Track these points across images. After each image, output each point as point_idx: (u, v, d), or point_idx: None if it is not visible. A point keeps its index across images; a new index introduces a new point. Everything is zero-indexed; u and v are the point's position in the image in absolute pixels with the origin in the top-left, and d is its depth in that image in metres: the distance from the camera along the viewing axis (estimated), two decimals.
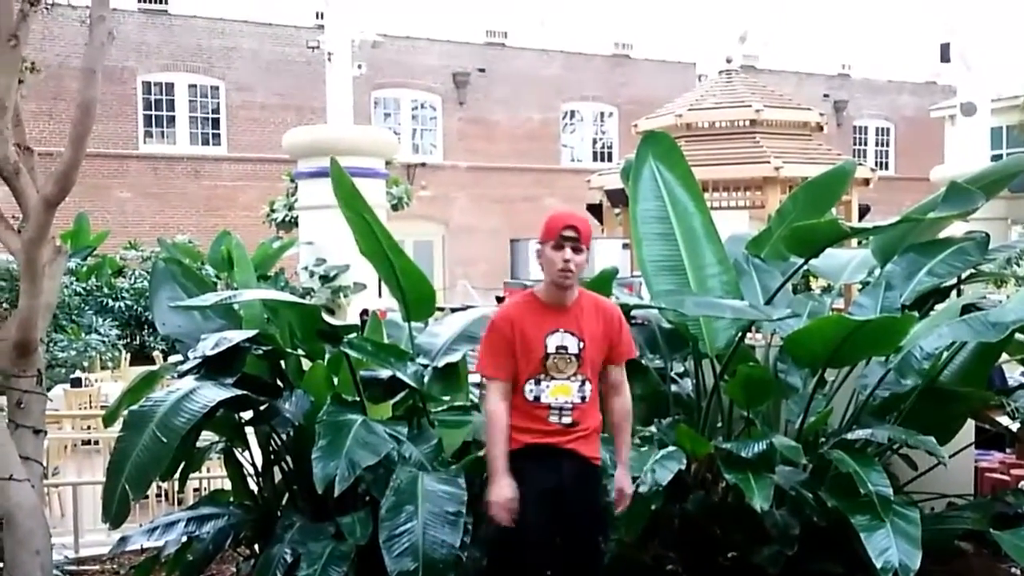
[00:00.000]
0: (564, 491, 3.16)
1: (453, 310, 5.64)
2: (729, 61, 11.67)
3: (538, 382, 3.16)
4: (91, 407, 9.07)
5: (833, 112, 25.72)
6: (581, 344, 3.18)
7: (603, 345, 3.24)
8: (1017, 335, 4.00)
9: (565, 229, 3.14)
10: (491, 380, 3.22)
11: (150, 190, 20.39)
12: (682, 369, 4.69)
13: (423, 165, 22.10)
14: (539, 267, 3.23)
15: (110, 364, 11.91)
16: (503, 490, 3.11)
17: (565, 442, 3.17)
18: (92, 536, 5.50)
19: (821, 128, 10.42)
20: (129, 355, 12.64)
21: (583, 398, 3.19)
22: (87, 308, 13.12)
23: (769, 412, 4.30)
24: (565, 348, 3.17)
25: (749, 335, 4.43)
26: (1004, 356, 4.39)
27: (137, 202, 20.25)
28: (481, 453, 3.75)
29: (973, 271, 4.72)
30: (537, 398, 3.17)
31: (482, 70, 23.29)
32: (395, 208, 16.02)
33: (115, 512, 3.51)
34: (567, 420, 3.16)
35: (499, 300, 9.70)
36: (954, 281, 4.64)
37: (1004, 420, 4.67)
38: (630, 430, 3.40)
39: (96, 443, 8.13)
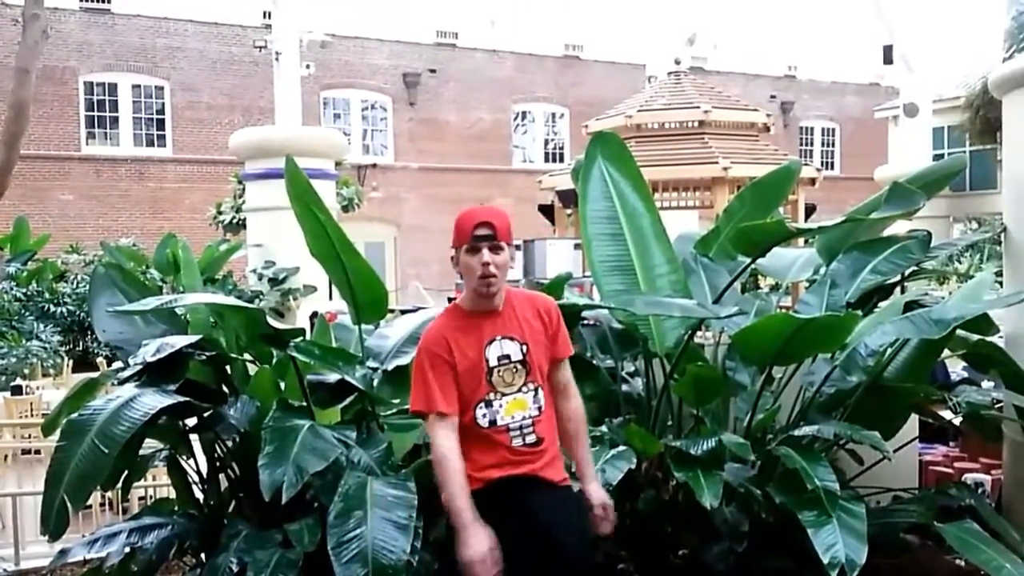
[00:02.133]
0: (549, 526, 2.76)
1: (403, 312, 5.59)
2: (678, 63, 11.79)
3: (489, 403, 2.77)
4: (32, 415, 8.86)
5: (780, 113, 26.12)
6: (524, 347, 2.82)
7: (546, 343, 2.88)
8: (958, 331, 4.08)
9: (477, 228, 2.72)
10: (433, 417, 2.75)
11: (93, 192, 19.95)
12: (632, 368, 4.70)
13: (374, 166, 21.95)
14: (457, 275, 2.84)
15: (52, 371, 11.64)
16: (478, 543, 2.62)
17: (538, 470, 2.78)
18: (34, 548, 5.35)
19: (768, 129, 10.57)
20: (71, 362, 12.36)
21: (540, 408, 2.82)
22: (28, 314, 12.79)
23: (718, 410, 4.33)
24: (508, 357, 2.80)
25: (698, 334, 4.46)
26: (946, 352, 4.48)
27: (79, 205, 19.80)
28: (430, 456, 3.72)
29: (916, 269, 4.80)
30: (493, 422, 2.77)
31: (433, 71, 23.21)
32: (346, 209, 15.88)
33: (54, 524, 3.41)
34: (532, 439, 2.79)
35: (451, 301, 9.69)
36: (897, 279, 4.72)
37: (947, 414, 4.76)
38: (587, 436, 3.08)
39: (37, 452, 7.93)
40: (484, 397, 2.78)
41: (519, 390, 2.81)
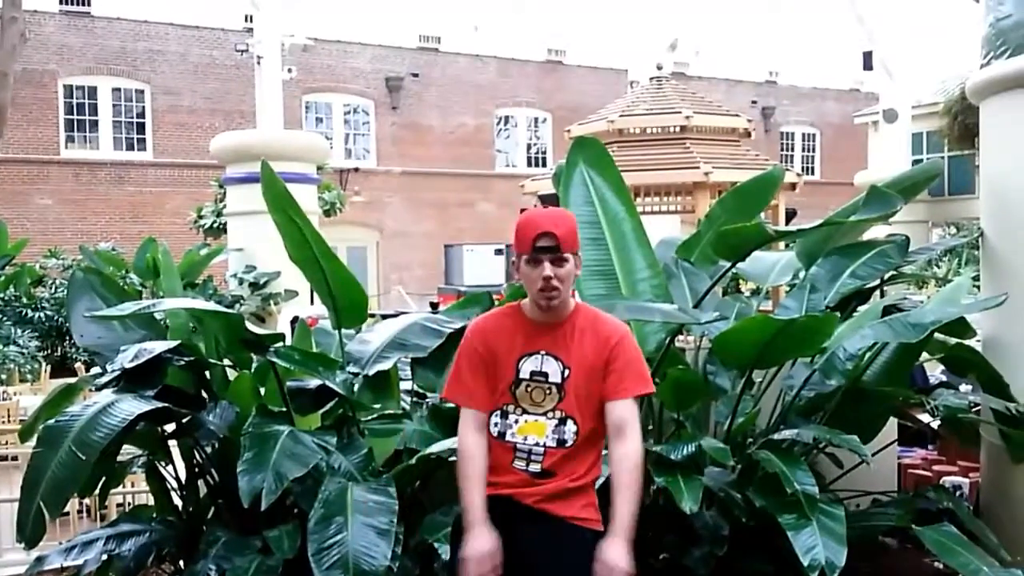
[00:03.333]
0: (526, 560, 2.52)
1: (384, 316, 5.57)
2: (660, 68, 11.80)
3: (505, 415, 2.58)
4: (9, 421, 8.75)
5: (761, 118, 26.30)
6: (565, 371, 2.55)
7: (596, 376, 2.57)
8: (936, 335, 4.11)
9: (538, 239, 2.49)
10: (462, 409, 2.65)
11: (72, 196, 19.80)
12: None
13: (356, 170, 21.90)
14: (518, 282, 2.63)
15: (29, 377, 11.51)
16: (479, 544, 2.49)
17: (528, 496, 2.53)
18: (11, 555, 5.29)
19: (749, 134, 10.59)
20: (49, 367, 12.23)
21: (561, 442, 2.54)
22: (5, 319, 12.66)
23: (699, 414, 4.34)
24: (544, 375, 2.56)
25: (679, 338, 4.47)
26: (925, 355, 4.51)
27: (58, 209, 19.64)
28: (413, 461, 3.71)
29: (894, 273, 4.83)
30: (502, 434, 2.57)
31: (415, 75, 23.19)
32: (327, 214, 15.84)
33: (31, 531, 3.37)
34: (535, 468, 2.53)
35: (433, 306, 9.65)
36: (876, 283, 4.75)
37: (925, 418, 4.80)
38: (637, 489, 2.55)
39: (15, 459, 7.83)
40: (502, 407, 2.60)
41: (544, 414, 2.56)
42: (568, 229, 2.54)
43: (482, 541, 2.51)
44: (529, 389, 2.57)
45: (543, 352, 2.58)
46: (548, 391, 2.56)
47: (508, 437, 2.57)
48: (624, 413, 2.58)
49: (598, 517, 2.61)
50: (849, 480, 4.25)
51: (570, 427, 2.55)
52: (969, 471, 4.77)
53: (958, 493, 4.55)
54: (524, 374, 2.57)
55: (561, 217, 2.59)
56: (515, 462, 2.57)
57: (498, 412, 2.60)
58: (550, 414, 2.55)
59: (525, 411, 2.57)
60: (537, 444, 2.54)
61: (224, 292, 12.52)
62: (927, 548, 3.65)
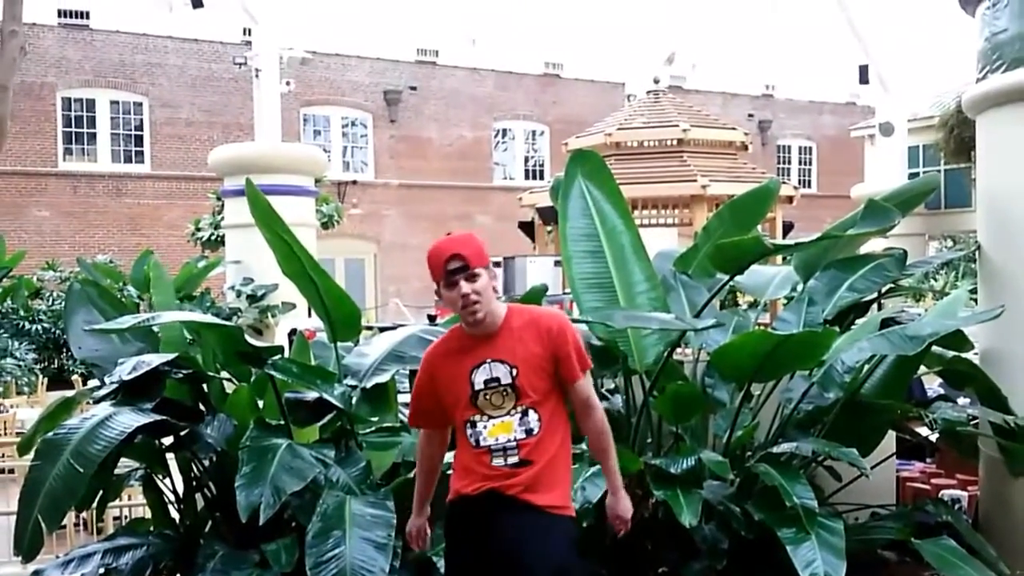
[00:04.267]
0: (502, 556, 2.76)
1: (382, 329, 5.57)
2: (657, 82, 11.89)
3: (474, 424, 2.82)
4: (6, 434, 8.72)
5: (758, 132, 26.35)
6: (513, 371, 2.80)
7: (544, 365, 2.83)
8: (934, 348, 4.12)
9: (448, 262, 2.76)
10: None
11: (70, 209, 19.79)
12: (612, 385, 4.71)
13: (354, 183, 21.92)
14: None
15: (26, 389, 11.48)
16: (416, 520, 3.15)
17: (509, 486, 2.78)
18: (7, 569, 5.27)
19: (746, 147, 10.67)
20: (47, 380, 12.20)
21: (528, 431, 2.80)
22: (2, 331, 12.62)
23: (698, 427, 4.34)
24: (497, 380, 2.80)
25: (677, 351, 4.48)
26: (922, 368, 4.52)
27: (56, 221, 19.63)
28: (411, 474, 3.71)
29: (892, 286, 4.84)
30: (477, 442, 2.81)
31: (413, 88, 23.25)
32: (325, 226, 15.84)
33: (28, 544, 3.37)
34: (514, 460, 2.79)
35: (431, 319, 9.66)
36: (874, 296, 4.76)
37: (924, 431, 4.80)
38: (612, 450, 3.01)
39: (11, 471, 7.81)
40: (469, 419, 2.83)
41: (507, 413, 2.81)
42: (473, 248, 2.80)
43: (414, 521, 3.14)
44: (488, 396, 2.82)
45: (489, 360, 2.83)
46: (505, 392, 2.81)
47: (482, 443, 2.82)
48: (586, 389, 2.94)
49: (571, 506, 2.95)
50: (848, 493, 4.25)
51: (532, 416, 2.82)
52: (968, 484, 4.76)
53: (957, 506, 4.54)
54: (479, 385, 2.82)
55: (464, 239, 2.85)
56: (494, 460, 2.80)
57: (468, 424, 2.84)
58: (512, 412, 2.81)
59: (490, 416, 2.81)
60: (509, 440, 2.80)
61: (222, 304, 12.50)
62: (926, 561, 3.65)
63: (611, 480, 3.05)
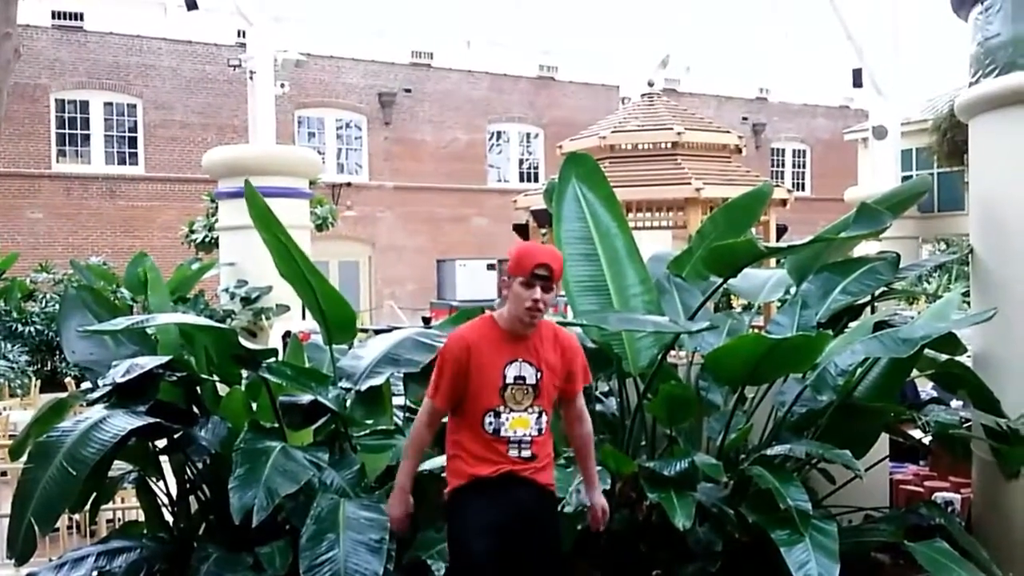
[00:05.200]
0: (520, 520, 3.08)
1: (377, 332, 5.57)
2: (651, 85, 11.88)
3: (497, 415, 3.06)
4: None
5: (752, 135, 26.41)
6: (539, 374, 3.10)
7: (560, 375, 3.17)
8: (927, 351, 4.13)
9: (538, 268, 3.02)
10: (428, 401, 3.16)
11: (63, 210, 19.72)
12: (607, 388, 4.71)
13: (348, 185, 21.89)
14: (503, 297, 3.12)
15: (19, 391, 11.44)
16: (395, 506, 3.17)
17: (522, 470, 3.09)
18: (2, 572, 5.25)
19: (740, 150, 10.65)
20: (40, 382, 12.17)
21: (540, 431, 3.11)
22: None
23: (691, 429, 4.35)
24: (523, 379, 3.07)
25: (671, 354, 4.48)
26: (915, 371, 4.53)
27: (49, 223, 19.57)
28: None
29: (885, 289, 4.86)
30: (496, 431, 3.06)
31: (408, 90, 23.23)
32: (320, 228, 15.81)
33: (21, 547, 3.37)
34: (527, 453, 3.08)
35: (426, 321, 9.65)
36: (867, 299, 4.77)
37: (917, 433, 4.81)
38: (594, 454, 3.43)
39: (4, 474, 7.78)
40: (494, 408, 3.06)
41: (525, 409, 3.08)
42: (560, 266, 3.12)
43: (396, 505, 3.17)
44: (513, 391, 3.07)
45: (520, 359, 3.10)
46: (527, 391, 3.09)
47: (502, 432, 3.06)
48: (582, 403, 3.31)
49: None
50: (841, 496, 4.26)
51: (543, 418, 3.13)
52: (960, 487, 4.78)
53: (950, 509, 4.55)
54: (509, 379, 3.07)
55: (557, 255, 3.15)
56: (510, 451, 3.07)
57: (491, 413, 3.07)
58: (530, 410, 3.09)
59: (512, 409, 3.07)
60: (526, 435, 3.08)
61: (215, 307, 12.47)
62: (919, 564, 3.66)
63: (595, 478, 3.40)
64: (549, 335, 3.16)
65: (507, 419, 3.05)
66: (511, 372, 3.06)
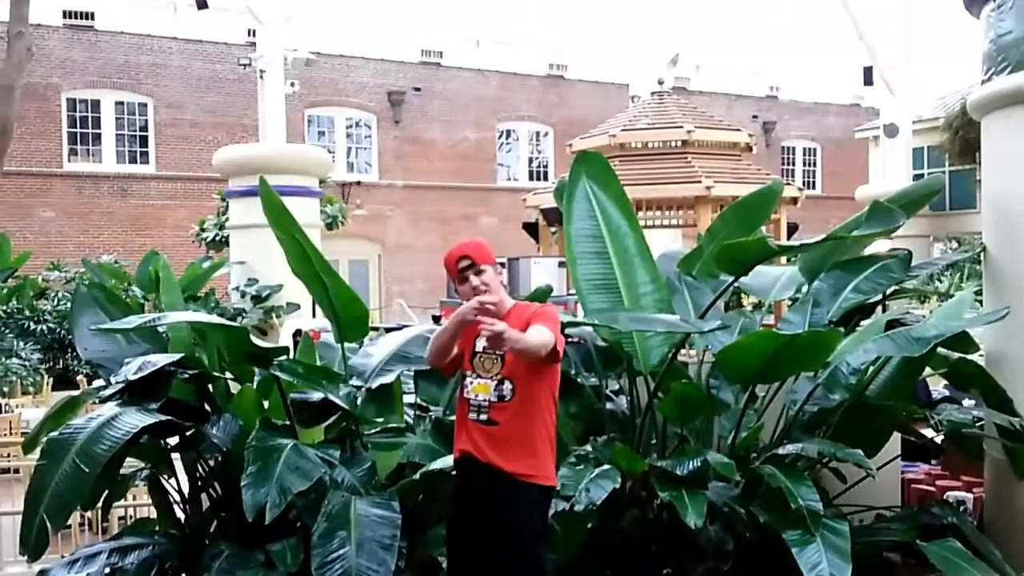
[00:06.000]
0: (472, 515, 3.24)
1: (388, 330, 5.58)
2: (661, 83, 11.87)
3: (466, 378, 3.33)
4: (11, 434, 8.76)
5: (762, 133, 26.30)
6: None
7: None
8: (939, 350, 4.11)
9: (460, 262, 3.31)
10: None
11: (75, 209, 19.81)
12: (617, 387, 4.71)
13: (358, 184, 21.92)
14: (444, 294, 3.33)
15: (31, 389, 11.51)
16: (458, 314, 3.21)
17: (483, 449, 3.21)
18: (13, 568, 5.29)
19: (750, 148, 10.65)
20: (51, 380, 12.23)
21: (500, 397, 3.24)
22: (7, 331, 12.66)
23: (702, 428, 4.34)
24: (492, 349, 3.26)
25: (682, 352, 4.47)
26: (928, 370, 4.51)
27: (61, 222, 19.65)
28: (416, 476, 3.72)
29: (897, 288, 4.84)
30: (463, 394, 3.34)
31: (418, 89, 23.23)
32: (330, 227, 15.85)
33: (33, 544, 3.38)
34: (483, 416, 3.24)
35: (435, 319, 9.65)
36: (879, 297, 4.75)
37: (929, 432, 4.79)
38: (527, 341, 3.15)
39: (17, 471, 7.83)
40: (467, 372, 3.34)
41: (491, 377, 3.28)
42: (479, 250, 3.35)
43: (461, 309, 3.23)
44: (482, 360, 3.31)
45: None
46: (495, 360, 3.29)
47: (466, 395, 3.31)
48: (538, 325, 3.20)
49: (547, 474, 3.28)
50: (853, 495, 4.24)
51: (507, 386, 3.25)
52: (973, 486, 4.75)
53: (962, 508, 4.53)
54: (478, 348, 3.32)
55: (471, 243, 3.40)
56: (469, 414, 3.28)
57: (464, 375, 3.35)
58: (494, 377, 3.27)
59: (478, 376, 3.30)
60: (484, 399, 3.26)
61: (226, 305, 12.50)
62: (932, 563, 3.64)
63: (527, 336, 3.15)
64: (521, 312, 3.33)
65: (471, 383, 3.30)
66: (481, 342, 3.28)
